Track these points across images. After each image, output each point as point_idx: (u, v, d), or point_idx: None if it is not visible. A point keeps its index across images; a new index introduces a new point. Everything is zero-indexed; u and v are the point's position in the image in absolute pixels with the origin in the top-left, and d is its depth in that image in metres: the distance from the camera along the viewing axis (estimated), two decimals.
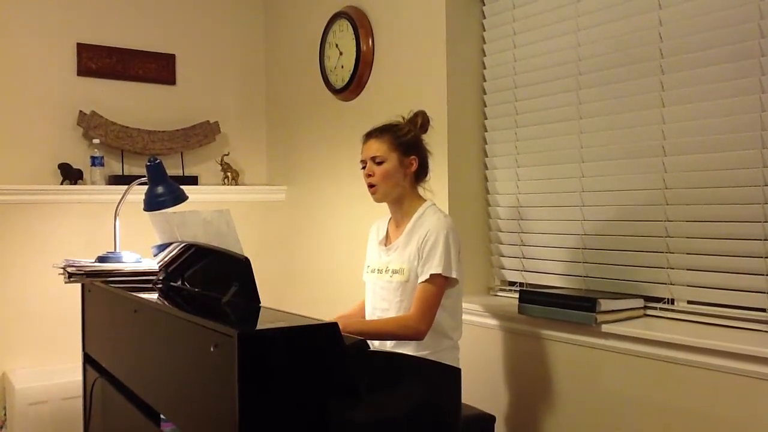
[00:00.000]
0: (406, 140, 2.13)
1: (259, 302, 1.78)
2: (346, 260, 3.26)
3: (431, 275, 2.00)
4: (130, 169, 3.62)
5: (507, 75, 2.69)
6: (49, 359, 3.33)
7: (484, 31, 2.79)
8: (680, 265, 2.13)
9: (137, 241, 2.92)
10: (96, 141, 3.49)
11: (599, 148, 2.36)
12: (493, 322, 2.50)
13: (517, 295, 2.41)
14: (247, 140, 4.02)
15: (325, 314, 2.26)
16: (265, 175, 4.08)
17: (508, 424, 2.45)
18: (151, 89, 3.74)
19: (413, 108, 2.24)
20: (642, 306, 2.20)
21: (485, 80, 2.80)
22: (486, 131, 2.80)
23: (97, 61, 3.57)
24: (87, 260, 2.76)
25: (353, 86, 3.18)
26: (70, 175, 3.42)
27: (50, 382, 3.11)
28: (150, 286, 2.39)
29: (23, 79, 3.40)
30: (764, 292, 1.93)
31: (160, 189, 2.74)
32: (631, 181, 2.26)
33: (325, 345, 1.53)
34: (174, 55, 3.79)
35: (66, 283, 2.60)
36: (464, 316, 2.18)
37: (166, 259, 2.30)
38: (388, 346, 2.08)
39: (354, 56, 3.14)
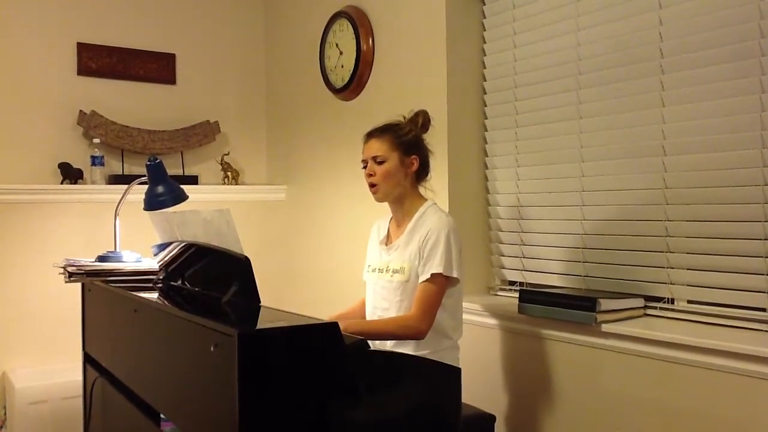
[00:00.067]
0: (407, 140, 2.13)
1: (259, 302, 1.78)
2: (346, 260, 3.26)
3: (432, 274, 2.00)
4: (131, 169, 3.63)
5: (507, 75, 2.69)
6: (49, 359, 3.33)
7: (484, 30, 2.79)
8: (680, 265, 2.13)
9: (137, 240, 2.92)
10: (96, 140, 3.49)
11: (599, 148, 2.36)
12: (493, 321, 2.50)
13: (517, 295, 2.41)
14: (247, 140, 4.02)
15: (325, 314, 2.26)
16: (265, 174, 4.08)
17: (508, 423, 2.45)
18: (152, 89, 3.74)
19: (413, 108, 2.24)
20: (642, 306, 2.20)
21: (485, 80, 2.80)
22: (486, 131, 2.80)
23: (98, 61, 3.57)
24: (87, 260, 2.76)
25: (353, 86, 3.18)
26: (71, 174, 3.42)
27: (50, 381, 3.11)
28: (150, 285, 2.38)
29: (23, 78, 3.40)
30: (764, 292, 1.93)
31: (160, 188, 2.74)
32: (631, 180, 2.26)
33: (325, 345, 1.53)
34: (174, 54, 3.79)
35: (66, 282, 2.60)
36: (464, 316, 2.19)
37: (166, 258, 2.30)
38: (388, 345, 2.08)
39: (354, 56, 3.14)
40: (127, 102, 3.65)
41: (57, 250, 3.24)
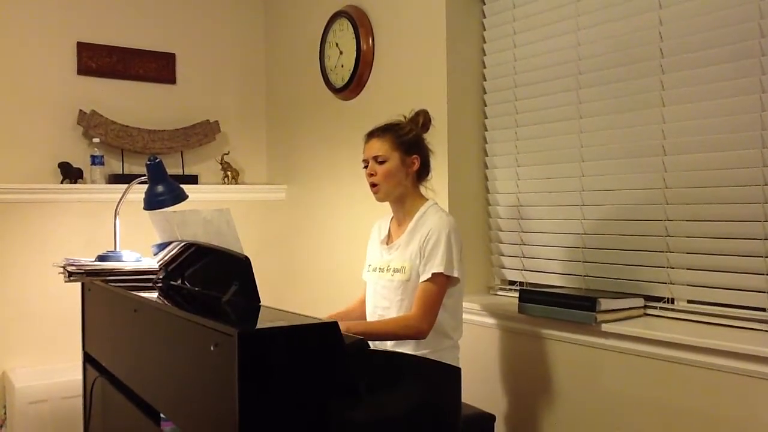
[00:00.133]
0: (407, 139, 2.13)
1: (259, 301, 1.78)
2: (346, 260, 3.26)
3: (433, 274, 2.00)
4: (130, 168, 3.63)
5: (507, 74, 2.69)
6: (49, 358, 3.33)
7: (484, 30, 2.79)
8: (680, 265, 2.13)
9: (137, 240, 2.92)
10: (96, 140, 3.49)
11: (599, 148, 2.36)
12: (493, 321, 2.50)
13: (517, 295, 2.41)
14: (247, 139, 4.02)
15: (325, 314, 2.27)
16: (265, 174, 4.08)
17: (507, 423, 2.45)
18: (151, 88, 3.74)
19: (413, 107, 2.24)
20: (642, 305, 2.20)
21: (485, 80, 2.80)
22: (486, 131, 2.80)
23: (97, 60, 3.57)
24: (87, 259, 2.76)
25: (353, 85, 3.18)
26: (70, 174, 3.42)
27: (50, 381, 3.11)
28: (150, 285, 2.38)
29: (23, 78, 3.40)
30: (764, 292, 1.93)
31: (160, 188, 2.74)
32: (631, 180, 2.26)
33: (325, 344, 1.53)
34: (174, 54, 3.79)
35: (66, 282, 2.60)
36: (464, 316, 2.19)
37: (166, 258, 2.30)
38: (388, 345, 2.08)
39: (354, 55, 3.14)
40: (127, 102, 3.65)
41: (57, 249, 3.24)
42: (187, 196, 2.79)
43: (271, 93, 4.04)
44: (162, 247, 2.31)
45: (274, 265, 3.78)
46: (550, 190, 2.53)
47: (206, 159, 3.87)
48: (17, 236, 3.31)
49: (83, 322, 2.73)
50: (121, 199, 2.88)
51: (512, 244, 2.69)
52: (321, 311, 2.27)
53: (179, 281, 2.27)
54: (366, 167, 2.16)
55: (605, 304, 2.10)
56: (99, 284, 2.49)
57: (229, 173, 3.84)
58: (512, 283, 2.75)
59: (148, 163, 2.74)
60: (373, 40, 3.10)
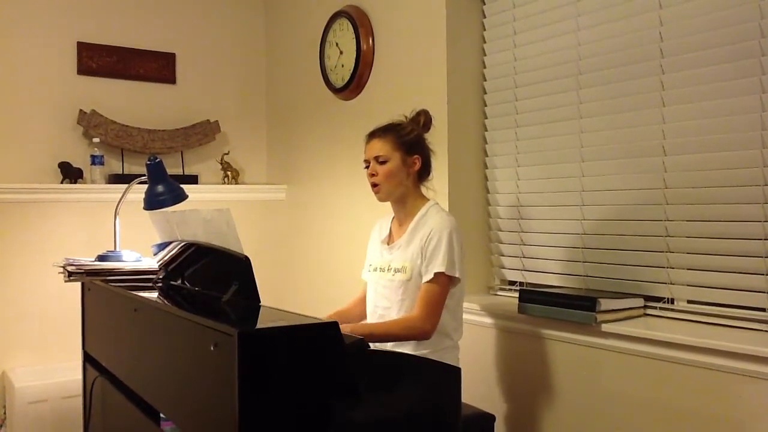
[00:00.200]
0: (409, 139, 2.13)
1: (259, 301, 1.78)
2: (346, 260, 3.26)
3: (435, 274, 2.00)
4: (130, 168, 3.62)
5: (507, 74, 2.69)
6: (48, 358, 3.33)
7: (484, 30, 2.79)
8: (680, 265, 2.13)
9: (137, 239, 2.92)
10: (96, 140, 3.49)
11: (599, 148, 2.36)
12: (493, 321, 2.50)
13: (517, 295, 2.41)
14: (247, 139, 4.02)
15: (325, 314, 2.26)
16: (265, 174, 4.08)
17: (507, 423, 2.45)
18: (151, 88, 3.74)
19: (413, 107, 2.24)
20: (642, 305, 2.20)
21: (485, 80, 2.80)
22: (486, 131, 2.80)
23: (98, 60, 3.57)
24: (87, 259, 2.76)
25: (353, 85, 3.18)
26: (70, 173, 3.42)
27: (50, 380, 3.11)
28: (150, 285, 2.38)
29: (23, 77, 3.40)
30: (764, 292, 1.93)
31: (160, 188, 2.74)
32: (631, 180, 2.26)
33: (325, 344, 1.53)
34: (174, 54, 3.79)
35: (66, 281, 2.60)
36: (464, 316, 2.18)
37: (166, 258, 2.30)
38: (389, 345, 2.08)
39: (354, 55, 3.14)
40: (127, 101, 3.65)
41: (57, 249, 3.24)
42: (187, 196, 2.79)
43: (271, 93, 4.04)
44: (162, 247, 2.31)
45: (274, 265, 3.78)
46: (550, 190, 2.53)
47: (206, 159, 3.87)
48: (17, 236, 3.31)
49: (83, 322, 2.73)
50: (121, 199, 2.88)
51: (512, 244, 2.69)
52: (321, 311, 2.27)
53: (179, 281, 2.27)
54: (367, 167, 2.16)
55: (605, 304, 2.10)
56: (99, 284, 2.49)
57: (229, 173, 3.84)
58: (512, 283, 2.75)
59: (148, 163, 2.74)
60: (373, 40, 3.10)
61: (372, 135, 2.17)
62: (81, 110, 3.49)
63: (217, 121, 3.83)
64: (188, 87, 3.84)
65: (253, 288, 1.77)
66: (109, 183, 3.50)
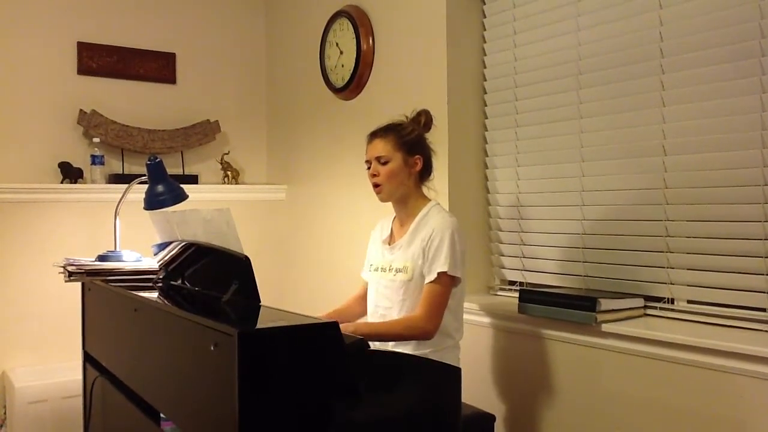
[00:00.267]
0: (410, 139, 2.13)
1: (259, 301, 1.78)
2: (346, 260, 3.26)
3: (438, 274, 2.00)
4: (131, 168, 3.63)
5: (507, 74, 2.69)
6: (49, 358, 3.33)
7: (485, 30, 2.79)
8: (680, 265, 2.13)
9: (137, 239, 2.92)
10: (96, 140, 3.49)
11: (599, 148, 2.36)
12: (493, 321, 2.50)
13: (517, 295, 2.41)
14: (247, 139, 4.02)
15: (324, 314, 2.26)
16: (265, 174, 4.08)
17: (507, 423, 2.45)
18: (152, 88, 3.74)
19: (414, 107, 2.24)
20: (642, 305, 2.20)
21: (485, 80, 2.80)
22: (486, 130, 2.80)
23: (98, 60, 3.57)
24: (87, 259, 2.76)
25: (353, 85, 3.18)
26: (71, 173, 3.42)
27: (50, 380, 3.11)
28: (150, 285, 2.38)
29: (24, 77, 3.40)
30: (764, 292, 1.93)
31: (160, 188, 2.74)
32: (631, 180, 2.26)
33: (325, 344, 1.53)
34: (174, 54, 3.79)
35: (66, 281, 2.60)
36: (464, 316, 2.18)
37: (166, 257, 2.30)
38: (389, 345, 2.08)
39: (354, 55, 3.14)
40: (127, 101, 3.65)
41: (57, 249, 3.24)
42: (187, 196, 2.79)
43: (271, 93, 4.04)
44: (162, 247, 2.31)
45: (274, 265, 3.78)
46: (550, 190, 2.53)
47: (206, 159, 3.87)
48: (17, 236, 3.31)
49: (83, 322, 2.73)
50: (121, 199, 2.88)
51: (512, 244, 2.69)
52: (321, 311, 2.28)
53: (179, 281, 2.27)
54: (369, 168, 2.16)
55: (605, 304, 2.10)
56: (99, 284, 2.49)
57: (229, 173, 3.84)
58: (512, 283, 2.75)
59: (148, 162, 2.74)
60: (373, 40, 3.10)
61: (373, 135, 2.17)
62: (81, 110, 3.49)
63: (217, 121, 3.83)
64: (188, 87, 3.84)
65: (253, 288, 1.77)
66: (110, 183, 3.50)
